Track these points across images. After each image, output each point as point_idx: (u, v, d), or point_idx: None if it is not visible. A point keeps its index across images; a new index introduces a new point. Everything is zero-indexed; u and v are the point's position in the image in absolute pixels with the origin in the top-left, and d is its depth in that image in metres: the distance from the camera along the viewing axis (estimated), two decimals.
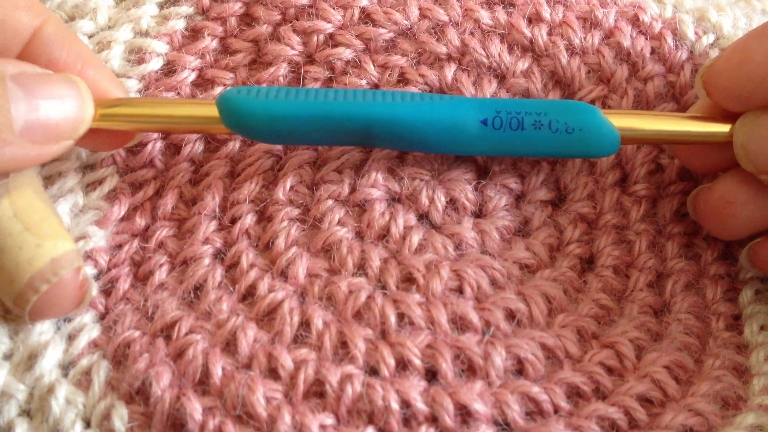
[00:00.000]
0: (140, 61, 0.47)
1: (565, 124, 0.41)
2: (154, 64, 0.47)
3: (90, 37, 0.48)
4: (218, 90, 0.47)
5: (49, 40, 0.41)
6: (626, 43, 0.47)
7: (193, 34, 0.49)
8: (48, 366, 0.40)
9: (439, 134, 0.41)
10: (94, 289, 0.43)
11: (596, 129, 0.41)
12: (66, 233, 0.40)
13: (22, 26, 0.40)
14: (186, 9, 0.48)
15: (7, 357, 0.40)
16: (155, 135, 0.46)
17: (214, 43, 0.48)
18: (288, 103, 0.41)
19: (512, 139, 0.41)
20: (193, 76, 0.48)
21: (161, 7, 0.49)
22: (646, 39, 0.47)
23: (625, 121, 0.42)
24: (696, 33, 0.48)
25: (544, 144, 0.41)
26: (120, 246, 0.44)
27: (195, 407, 0.38)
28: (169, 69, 0.48)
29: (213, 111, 0.42)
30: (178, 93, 0.47)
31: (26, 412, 0.39)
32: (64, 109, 0.39)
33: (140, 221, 0.45)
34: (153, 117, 0.42)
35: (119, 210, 0.45)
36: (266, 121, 0.41)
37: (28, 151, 0.38)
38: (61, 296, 0.40)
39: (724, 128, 0.42)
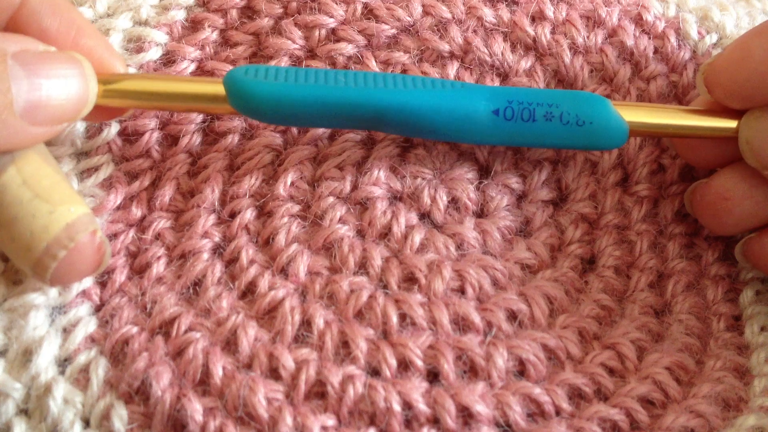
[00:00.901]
0: (139, 50, 0.47)
1: (576, 116, 0.41)
2: (153, 54, 0.47)
3: None
4: None
5: (39, 8, 0.40)
6: (629, 42, 0.47)
7: (193, 25, 0.48)
8: (44, 363, 0.39)
9: (449, 123, 0.41)
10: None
11: (606, 122, 0.41)
12: (77, 197, 0.40)
13: None
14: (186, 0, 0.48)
15: (2, 353, 0.40)
16: (152, 125, 0.46)
17: (215, 35, 0.48)
18: (297, 87, 0.40)
19: (523, 130, 0.41)
20: (192, 67, 0.47)
21: None
22: (649, 38, 0.47)
23: (634, 114, 0.42)
24: (699, 32, 0.48)
25: (554, 136, 0.41)
26: (115, 235, 0.44)
27: (196, 408, 0.38)
28: (168, 59, 0.47)
29: (219, 89, 0.41)
30: None
31: (24, 411, 0.39)
32: (67, 89, 0.38)
33: (136, 211, 0.45)
34: (157, 94, 0.41)
35: (115, 198, 0.44)
36: (274, 104, 0.40)
37: (29, 132, 0.37)
38: (79, 260, 0.39)
39: (731, 124, 0.42)
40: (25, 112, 0.37)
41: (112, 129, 0.45)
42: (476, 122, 0.41)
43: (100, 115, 0.43)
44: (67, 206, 0.38)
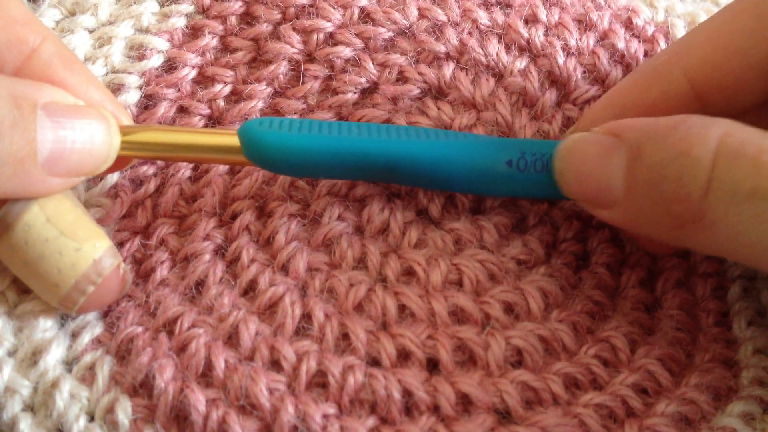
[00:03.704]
0: (140, 58, 0.48)
1: None
2: (155, 61, 0.48)
3: (91, 32, 0.48)
4: (218, 87, 0.48)
5: (53, 60, 0.40)
6: (620, 45, 0.48)
7: (194, 32, 0.49)
8: (52, 362, 0.40)
9: (463, 175, 0.41)
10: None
11: None
12: (99, 230, 0.40)
13: (19, 42, 0.40)
14: (186, 7, 0.49)
15: (12, 353, 0.40)
16: None
17: (215, 41, 0.49)
18: (311, 137, 0.41)
19: (537, 180, 0.41)
20: (193, 73, 0.48)
21: (162, 4, 0.49)
22: (640, 42, 0.48)
23: None
24: None
25: None
26: (122, 244, 0.44)
27: (198, 399, 0.39)
28: (169, 66, 0.48)
29: (235, 141, 0.41)
30: (179, 90, 0.48)
31: (30, 407, 0.40)
32: (91, 144, 0.39)
33: (141, 218, 0.45)
34: (173, 145, 0.42)
35: (121, 208, 0.45)
36: (288, 155, 0.40)
37: (47, 182, 0.38)
38: (105, 293, 0.40)
39: None
40: (47, 163, 0.37)
41: None
42: (490, 173, 0.41)
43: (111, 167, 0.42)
44: (92, 242, 0.39)
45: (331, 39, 0.48)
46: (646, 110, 0.40)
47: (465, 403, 0.39)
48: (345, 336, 0.41)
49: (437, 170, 0.41)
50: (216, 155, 0.42)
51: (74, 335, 0.42)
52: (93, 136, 0.39)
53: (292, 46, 0.48)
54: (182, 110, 0.48)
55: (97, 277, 0.39)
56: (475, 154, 0.41)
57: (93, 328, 0.42)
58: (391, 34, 0.48)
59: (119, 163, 0.42)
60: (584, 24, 0.48)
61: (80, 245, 0.39)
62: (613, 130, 0.38)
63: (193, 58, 0.48)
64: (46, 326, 0.41)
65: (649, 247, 0.45)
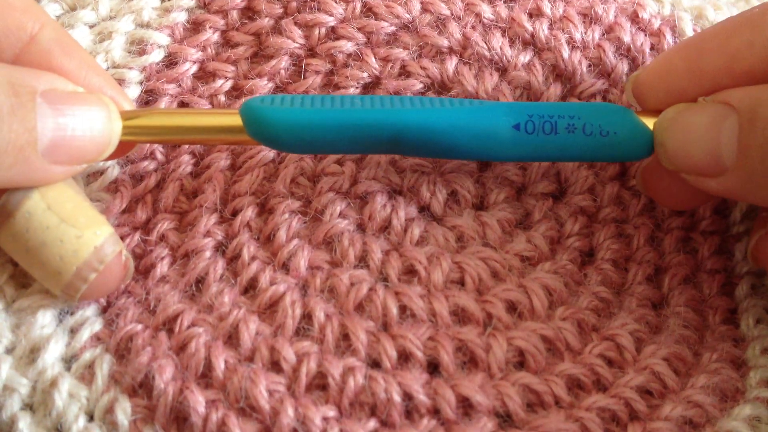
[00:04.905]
0: (141, 53, 0.47)
1: (599, 127, 0.40)
2: (156, 56, 0.47)
3: (91, 27, 0.48)
4: (219, 82, 0.47)
5: (51, 46, 0.40)
6: (626, 38, 0.47)
7: (195, 26, 0.49)
8: (50, 359, 0.40)
9: (470, 141, 0.40)
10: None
11: (631, 131, 0.41)
12: (100, 217, 0.40)
13: (18, 29, 0.39)
14: (187, 1, 0.49)
15: (9, 351, 0.40)
16: None
17: (216, 36, 0.48)
18: (314, 111, 0.40)
19: (545, 143, 0.40)
20: (194, 68, 0.48)
21: None
22: (646, 35, 0.48)
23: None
24: (694, 30, 0.48)
25: (577, 148, 0.41)
26: (122, 239, 0.44)
27: (198, 400, 0.38)
28: (170, 61, 0.48)
29: (237, 120, 0.40)
30: (180, 85, 0.47)
31: (29, 406, 0.40)
32: (91, 131, 0.39)
33: (141, 214, 0.45)
34: (175, 128, 0.41)
35: (120, 203, 0.45)
36: (292, 130, 0.40)
37: (49, 170, 0.38)
38: (108, 279, 0.40)
39: None
40: (47, 151, 0.37)
41: None
42: (497, 138, 0.41)
43: (114, 153, 0.42)
44: (93, 229, 0.39)
45: (333, 33, 0.48)
46: (728, 58, 0.39)
47: (466, 406, 0.39)
48: (345, 337, 0.41)
49: (444, 138, 0.40)
50: (219, 136, 0.42)
51: (73, 331, 0.41)
52: (94, 122, 0.39)
53: (294, 41, 0.47)
54: (183, 106, 0.47)
55: (99, 264, 0.39)
56: (481, 119, 0.41)
57: (92, 324, 0.42)
58: (393, 28, 0.47)
59: (122, 149, 0.42)
60: (589, 17, 0.48)
61: (81, 232, 0.39)
62: (724, 99, 0.38)
63: (194, 53, 0.48)
64: (44, 322, 0.41)
65: (672, 203, 0.45)
